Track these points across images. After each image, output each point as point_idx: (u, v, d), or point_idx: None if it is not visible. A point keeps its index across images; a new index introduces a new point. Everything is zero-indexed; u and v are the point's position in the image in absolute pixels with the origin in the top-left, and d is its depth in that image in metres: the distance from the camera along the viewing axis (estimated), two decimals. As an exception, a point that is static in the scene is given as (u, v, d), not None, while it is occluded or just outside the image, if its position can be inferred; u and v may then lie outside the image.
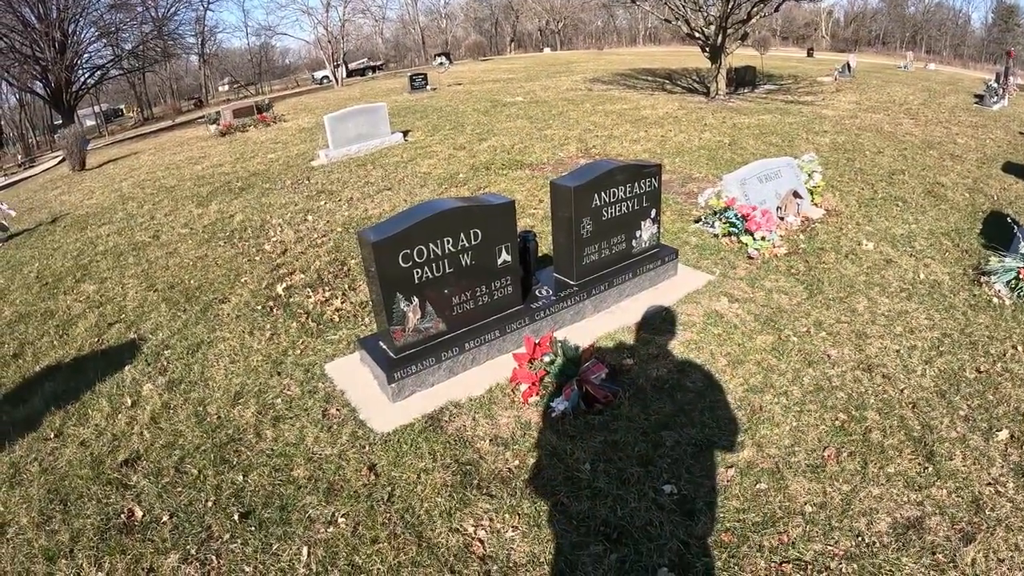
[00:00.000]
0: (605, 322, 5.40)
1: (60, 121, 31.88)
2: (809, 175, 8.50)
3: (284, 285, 6.65)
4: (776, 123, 14.74)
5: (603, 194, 5.30)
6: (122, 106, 58.93)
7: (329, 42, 42.96)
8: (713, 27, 18.91)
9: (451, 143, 13.62)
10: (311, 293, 6.44)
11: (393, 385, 4.28)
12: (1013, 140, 14.06)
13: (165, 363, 5.37)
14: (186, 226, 9.50)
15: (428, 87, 25.69)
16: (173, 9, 42.05)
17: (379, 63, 53.90)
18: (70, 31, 32.35)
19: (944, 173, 10.29)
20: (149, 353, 5.58)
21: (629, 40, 78.99)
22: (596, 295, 5.48)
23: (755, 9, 18.57)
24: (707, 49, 19.71)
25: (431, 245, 4.20)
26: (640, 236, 5.85)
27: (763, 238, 6.78)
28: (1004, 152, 12.30)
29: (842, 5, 74.89)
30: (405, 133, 14.90)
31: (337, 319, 5.85)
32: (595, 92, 21.75)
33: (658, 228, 6.03)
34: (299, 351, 5.31)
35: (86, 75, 36.21)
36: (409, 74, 28.04)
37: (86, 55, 36.12)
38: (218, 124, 20.51)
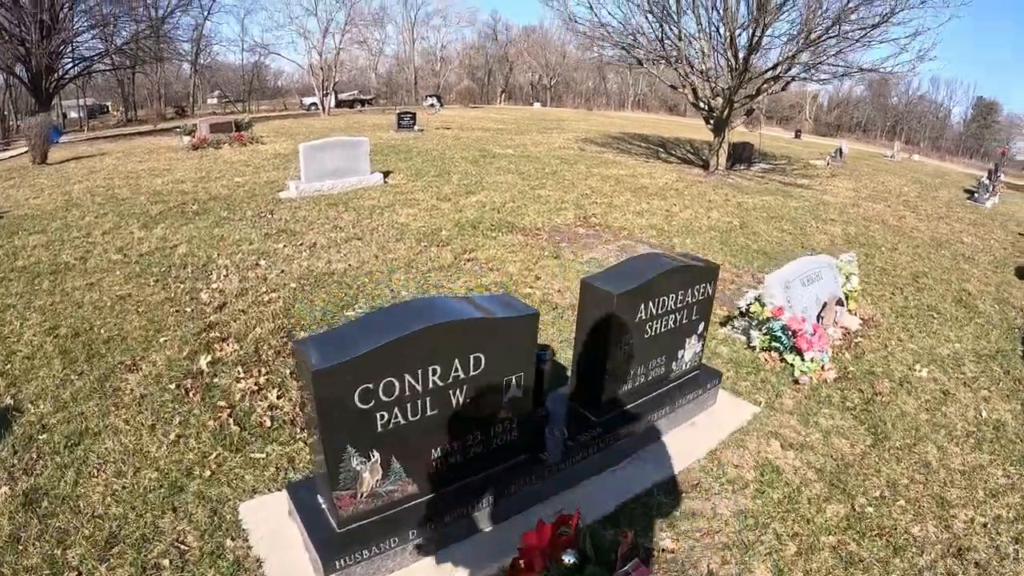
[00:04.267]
0: (635, 475, 3.99)
1: (38, 108, 29.95)
2: (847, 278, 7.39)
3: (210, 357, 5.17)
4: (781, 206, 14.14)
5: (651, 304, 3.97)
6: (108, 103, 57.01)
7: (322, 68, 41.88)
8: (720, 99, 18.10)
9: (435, 192, 12.32)
10: (242, 375, 4.97)
11: (334, 576, 2.88)
12: (1015, 241, 14.17)
13: (35, 457, 3.90)
14: (121, 251, 8.04)
15: (416, 127, 24.58)
16: (171, 11, 40.59)
17: (369, 97, 52.90)
18: (61, 16, 30.70)
19: (965, 278, 10.04)
20: (20, 435, 4.11)
21: (618, 104, 79.38)
22: (625, 438, 4.08)
23: (765, 85, 17.90)
24: (711, 121, 18.95)
25: (407, 377, 2.80)
26: (682, 357, 4.54)
27: (812, 359, 5.55)
28: (1011, 255, 12.41)
29: (827, 90, 76.49)
30: (386, 174, 13.61)
31: (269, 423, 4.38)
32: (588, 153, 20.85)
33: (702, 346, 4.74)
34: (210, 471, 3.83)
35: (70, 65, 34.44)
36: (397, 111, 26.95)
37: (73, 45, 34.45)
38: (192, 136, 19.19)
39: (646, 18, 18.17)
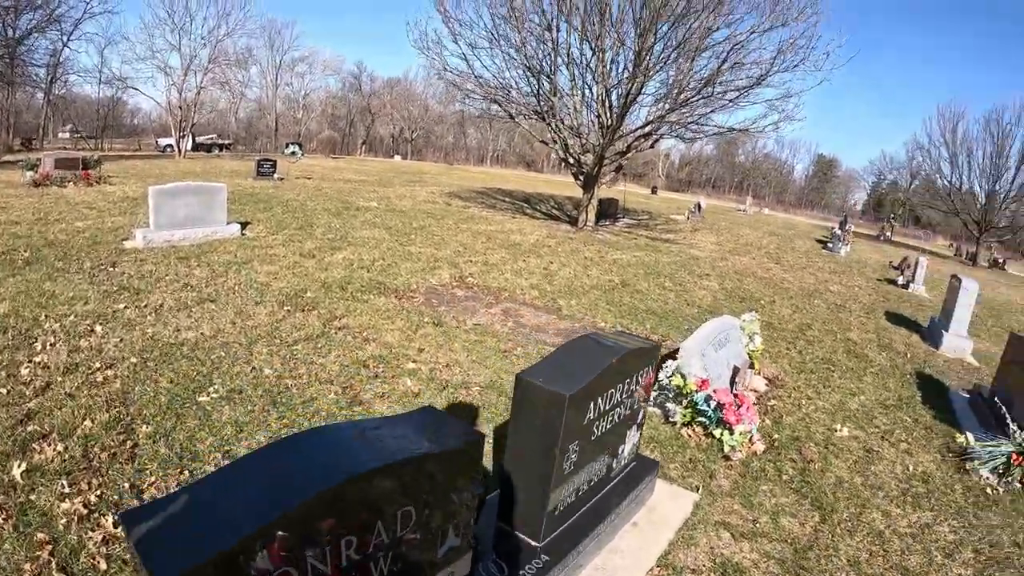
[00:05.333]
0: None
1: None
2: (751, 337, 7.12)
3: (25, 465, 3.89)
4: (655, 262, 14.27)
5: (600, 400, 3.27)
6: None
7: (180, 107, 39.41)
8: (591, 155, 18.16)
9: (298, 247, 11.24)
10: (67, 489, 3.72)
11: None
12: (875, 287, 15.48)
13: None
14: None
15: (276, 176, 23.28)
16: (29, 32, 36.79)
17: (228, 142, 49.94)
18: None
19: (847, 327, 10.53)
20: None
21: (477, 159, 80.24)
22: (572, 560, 3.21)
23: (636, 142, 18.16)
24: (580, 177, 19.02)
25: (310, 561, 1.82)
26: (623, 452, 3.86)
27: (742, 432, 5.07)
28: (877, 301, 13.59)
29: (679, 149, 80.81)
30: (244, 225, 12.41)
31: (104, 568, 3.14)
32: (454, 207, 20.39)
33: (640, 435, 4.10)
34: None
35: None
36: (257, 158, 25.51)
37: None
38: (35, 172, 17.12)
39: (520, 72, 18.14)
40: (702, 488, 4.52)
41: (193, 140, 42.36)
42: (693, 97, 16.06)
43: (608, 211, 22.08)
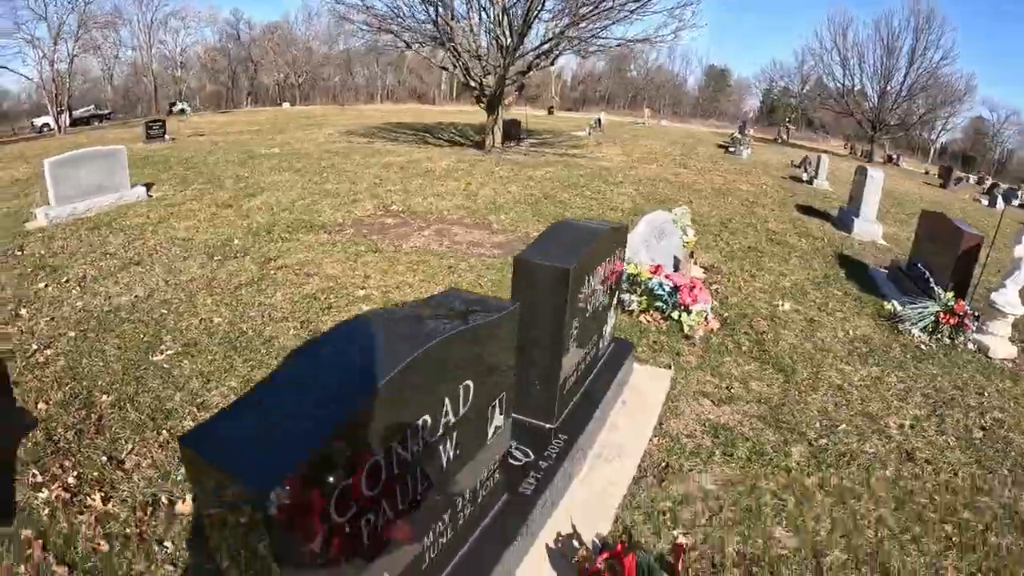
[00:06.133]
0: (608, 478, 3.33)
1: None
2: (683, 230, 7.32)
3: None
4: (568, 176, 14.32)
5: (590, 276, 3.32)
6: None
7: (54, 80, 36.73)
8: (492, 77, 17.91)
9: (211, 200, 10.78)
10: (40, 478, 3.45)
11: None
12: (782, 185, 15.93)
13: None
14: None
15: (167, 137, 22.07)
16: None
17: (107, 112, 46.58)
18: None
19: (763, 219, 10.89)
20: None
21: (367, 97, 77.92)
22: (584, 435, 3.31)
23: (536, 60, 17.98)
24: (483, 100, 18.75)
25: (395, 447, 1.77)
26: (606, 332, 3.97)
27: (699, 312, 5.27)
28: (787, 196, 14.00)
29: (571, 68, 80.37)
30: (148, 187, 11.81)
31: (106, 548, 2.94)
32: (357, 145, 19.77)
33: (616, 316, 4.22)
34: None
35: None
36: (145, 121, 24.12)
37: None
38: None
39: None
40: (673, 366, 4.72)
41: (71, 115, 39.76)
42: (591, 11, 15.92)
43: (512, 132, 22.00)
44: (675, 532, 3.00)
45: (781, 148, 33.01)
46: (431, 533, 2.11)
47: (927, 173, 34.95)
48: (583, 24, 16.57)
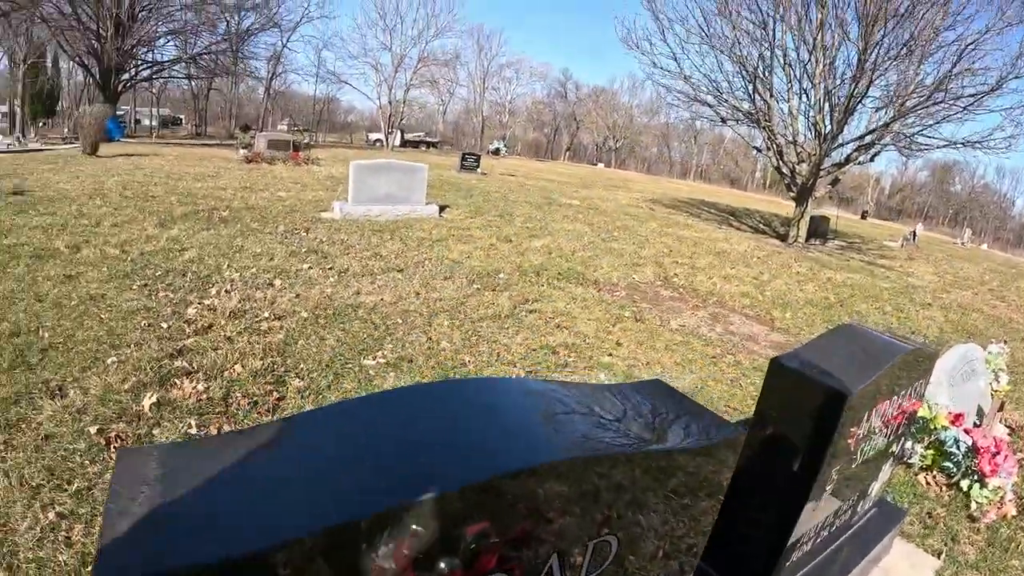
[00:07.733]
0: None
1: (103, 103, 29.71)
2: (996, 374, 5.63)
3: (158, 396, 3.58)
4: (871, 285, 12.57)
5: (874, 410, 2.24)
6: (182, 116, 58.85)
7: (390, 103, 41.73)
8: (806, 165, 16.52)
9: (495, 232, 10.82)
10: (193, 428, 3.38)
11: None
12: None
13: None
14: (121, 246, 6.75)
15: (479, 170, 23.45)
16: (251, 31, 40.74)
17: (435, 140, 52.21)
18: (139, 16, 30.64)
19: None
20: None
21: (680, 172, 78.36)
22: None
23: (855, 153, 16.31)
24: (793, 188, 17.36)
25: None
26: (871, 492, 2.81)
27: (996, 488, 3.81)
28: None
29: (891, 174, 74.37)
30: (442, 208, 12.24)
31: None
32: (658, 213, 19.40)
33: (893, 471, 3.03)
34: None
35: (141, 67, 34.38)
36: (462, 152, 25.94)
37: (152, 48, 34.46)
38: (248, 150, 18.47)
39: (734, 69, 16.97)
40: (944, 555, 3.36)
41: (402, 136, 44.66)
42: (919, 104, 14.04)
43: (819, 230, 20.31)
44: None
45: None
46: None
47: None
48: (908, 118, 14.66)
